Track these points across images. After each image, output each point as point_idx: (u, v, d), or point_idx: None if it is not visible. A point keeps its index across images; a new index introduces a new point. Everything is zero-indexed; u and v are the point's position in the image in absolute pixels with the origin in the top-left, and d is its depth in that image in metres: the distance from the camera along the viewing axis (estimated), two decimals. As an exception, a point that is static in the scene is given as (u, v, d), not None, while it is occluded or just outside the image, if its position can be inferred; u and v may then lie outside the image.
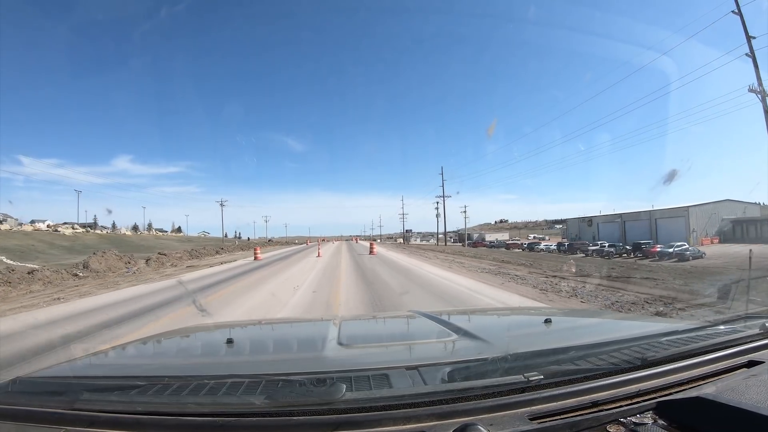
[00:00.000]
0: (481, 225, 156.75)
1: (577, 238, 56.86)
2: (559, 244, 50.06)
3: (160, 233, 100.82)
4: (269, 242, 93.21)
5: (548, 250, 47.38)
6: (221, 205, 76.97)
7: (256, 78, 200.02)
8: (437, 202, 63.58)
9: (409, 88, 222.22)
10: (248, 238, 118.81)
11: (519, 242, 66.26)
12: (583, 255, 37.72)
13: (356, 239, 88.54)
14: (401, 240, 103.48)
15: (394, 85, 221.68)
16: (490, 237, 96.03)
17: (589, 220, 59.53)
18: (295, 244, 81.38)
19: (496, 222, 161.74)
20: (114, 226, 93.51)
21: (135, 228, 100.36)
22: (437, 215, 64.85)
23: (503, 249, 54.82)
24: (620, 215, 52.16)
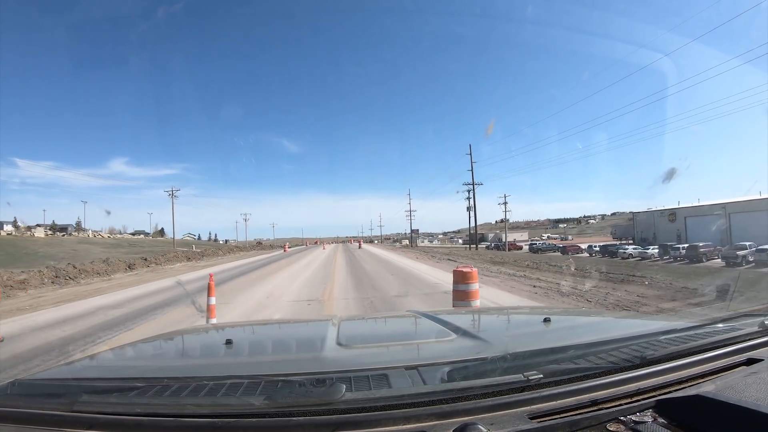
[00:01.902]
0: (481, 225, 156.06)
1: (654, 237, 44.72)
2: (667, 247, 34.92)
3: (100, 236, 73.76)
4: (258, 245, 78.34)
5: (646, 257, 34.62)
6: (171, 195, 54.44)
7: (252, 79, 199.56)
8: (468, 191, 47.84)
9: (408, 89, 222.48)
10: (226, 241, 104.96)
11: (575, 244, 51.30)
12: (731, 264, 25.72)
13: (359, 242, 62.09)
14: (407, 242, 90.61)
15: (393, 85, 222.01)
16: (507, 237, 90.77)
17: (671, 214, 45.28)
18: (280, 247, 62.17)
19: (496, 222, 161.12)
20: (15, 224, 67.07)
21: (52, 228, 75.62)
22: (468, 208, 48.01)
23: (558, 253, 43.46)
24: (723, 206, 38.51)
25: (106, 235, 75.32)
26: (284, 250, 44.61)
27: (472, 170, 46.91)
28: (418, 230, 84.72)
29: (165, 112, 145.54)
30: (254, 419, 0.91)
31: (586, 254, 42.88)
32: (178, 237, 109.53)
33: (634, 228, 52.48)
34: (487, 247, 60.43)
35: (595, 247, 44.90)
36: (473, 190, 47.54)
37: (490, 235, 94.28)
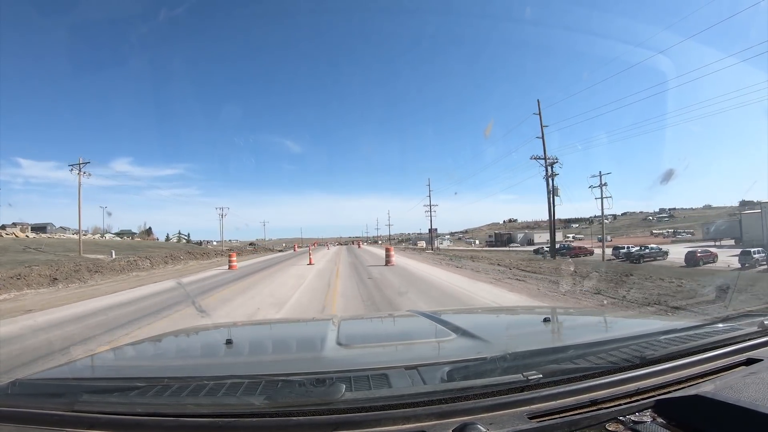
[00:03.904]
0: (489, 225, 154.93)
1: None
2: None
3: (15, 234, 53.97)
4: (251, 248, 61.97)
5: None
6: (76, 170, 33.03)
7: (253, 80, 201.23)
8: (551, 165, 29.17)
9: (408, 89, 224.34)
10: (200, 242, 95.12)
11: (700, 251, 31.98)
12: None
13: (388, 250, 21.84)
14: (422, 244, 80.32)
15: (393, 85, 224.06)
16: (538, 238, 77.94)
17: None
18: (272, 250, 54.23)
19: (504, 221, 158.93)
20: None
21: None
22: (550, 191, 29.36)
23: (670, 262, 30.59)
24: None
25: (22, 234, 57.56)
26: (229, 267, 21.61)
27: (543, 139, 29.07)
28: (437, 230, 67.09)
29: (166, 114, 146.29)
30: (254, 419, 0.91)
31: (728, 263, 28.09)
32: (164, 238, 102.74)
33: (763, 223, 34.12)
34: (536, 251, 43.55)
35: (756, 253, 27.32)
36: (547, 169, 29.42)
37: (519, 236, 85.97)
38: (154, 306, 10.58)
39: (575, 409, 0.95)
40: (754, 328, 1.32)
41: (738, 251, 30.01)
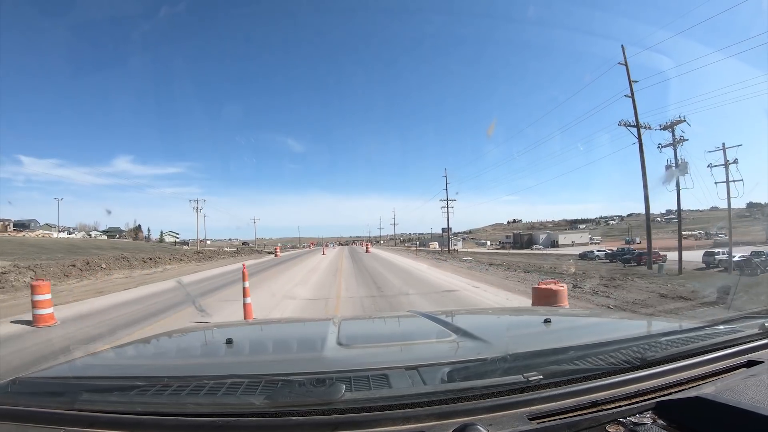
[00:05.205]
0: (492, 225, 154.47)
1: None
2: None
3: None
4: (230, 250, 50.84)
5: None
6: None
7: (254, 79, 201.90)
8: (670, 128, 23.62)
9: (410, 88, 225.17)
10: (175, 243, 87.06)
11: None
12: None
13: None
14: (435, 245, 74.30)
15: (395, 84, 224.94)
16: (563, 239, 73.84)
17: None
18: (266, 253, 45.71)
19: (508, 222, 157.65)
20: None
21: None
22: (671, 167, 23.85)
23: None
24: None
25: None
26: (34, 319, 7.15)
27: (633, 98, 23.01)
28: (451, 229, 59.43)
29: (168, 113, 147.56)
30: (254, 419, 0.91)
31: None
32: (156, 236, 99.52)
33: None
34: (582, 256, 40.41)
35: None
36: (639, 135, 23.24)
37: (542, 237, 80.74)
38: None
39: (576, 410, 0.94)
40: (755, 330, 1.32)
41: None
